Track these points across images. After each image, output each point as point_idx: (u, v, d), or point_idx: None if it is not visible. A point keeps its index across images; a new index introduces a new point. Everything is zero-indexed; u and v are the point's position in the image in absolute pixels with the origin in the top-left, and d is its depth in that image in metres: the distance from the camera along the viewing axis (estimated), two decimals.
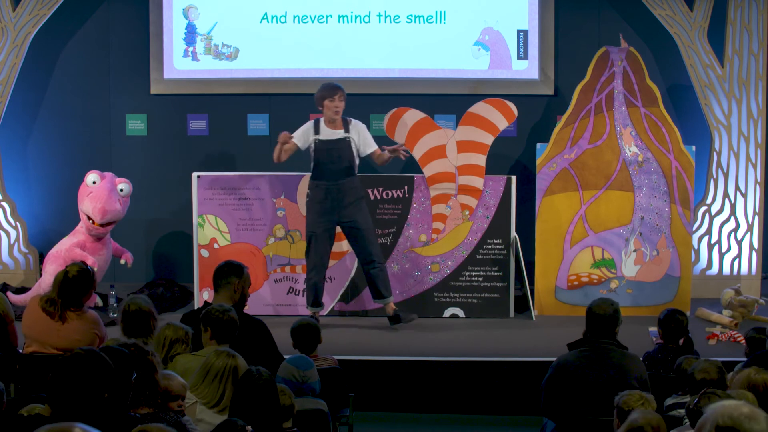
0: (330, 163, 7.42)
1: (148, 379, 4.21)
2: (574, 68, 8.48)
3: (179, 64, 8.84)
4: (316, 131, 7.46)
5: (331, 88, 7.44)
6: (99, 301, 7.95)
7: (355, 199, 7.48)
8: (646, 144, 7.98)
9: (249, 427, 3.98)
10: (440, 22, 8.77)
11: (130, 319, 5.32)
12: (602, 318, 5.29)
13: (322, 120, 7.50)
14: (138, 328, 5.29)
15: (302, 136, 7.48)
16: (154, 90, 8.89)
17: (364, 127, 7.60)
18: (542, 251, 8.06)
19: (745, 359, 5.54)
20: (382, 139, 8.26)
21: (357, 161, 7.52)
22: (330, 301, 7.95)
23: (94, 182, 7.89)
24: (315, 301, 7.58)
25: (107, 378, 3.60)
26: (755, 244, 8.54)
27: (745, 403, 3.11)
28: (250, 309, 6.16)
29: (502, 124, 7.95)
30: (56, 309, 5.56)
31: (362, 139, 7.51)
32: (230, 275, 5.84)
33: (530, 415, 6.42)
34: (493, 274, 7.97)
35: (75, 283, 5.60)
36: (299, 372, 5.04)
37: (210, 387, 4.57)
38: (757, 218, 8.53)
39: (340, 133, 7.45)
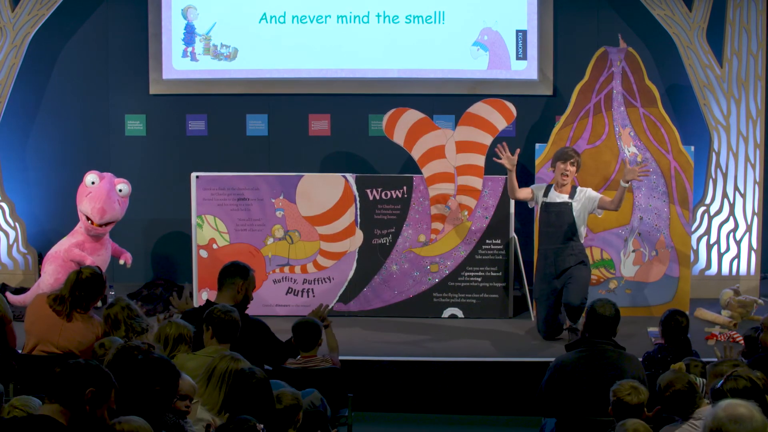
0: (550, 227, 7.26)
1: None
2: (572, 68, 8.48)
3: (178, 64, 8.84)
4: (545, 193, 7.33)
5: (565, 152, 7.25)
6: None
7: (576, 263, 7.20)
8: (645, 144, 7.98)
9: (261, 426, 3.97)
10: (439, 22, 8.77)
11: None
12: (605, 319, 5.31)
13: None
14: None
15: (537, 190, 7.37)
16: (153, 90, 8.88)
17: (590, 191, 7.31)
18: None
19: (743, 359, 5.54)
20: (381, 139, 8.27)
21: (582, 229, 7.26)
22: (330, 301, 7.95)
23: (93, 182, 7.89)
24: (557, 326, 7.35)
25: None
26: (754, 244, 8.54)
27: (742, 402, 3.10)
28: (248, 309, 6.15)
29: (501, 124, 7.95)
30: (64, 307, 5.60)
31: (589, 201, 7.23)
32: (235, 276, 5.85)
33: (529, 416, 6.42)
34: (492, 274, 7.97)
35: (87, 285, 5.65)
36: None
37: (213, 392, 4.53)
38: (755, 218, 8.53)
39: (563, 197, 7.25)
